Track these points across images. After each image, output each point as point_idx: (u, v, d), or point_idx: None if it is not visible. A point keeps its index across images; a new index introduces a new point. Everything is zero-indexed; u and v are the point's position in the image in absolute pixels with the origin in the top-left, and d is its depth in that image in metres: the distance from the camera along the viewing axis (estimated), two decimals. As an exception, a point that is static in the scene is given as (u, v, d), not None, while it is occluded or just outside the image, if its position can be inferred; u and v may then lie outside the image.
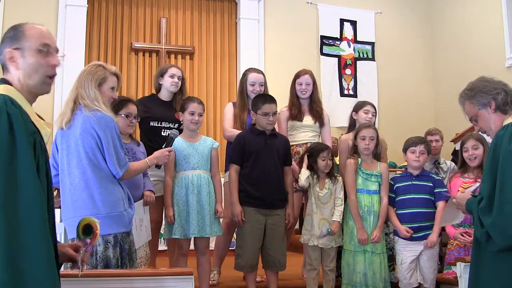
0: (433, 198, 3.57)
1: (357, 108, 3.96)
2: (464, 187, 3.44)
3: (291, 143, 3.80)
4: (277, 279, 3.51)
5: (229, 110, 3.98)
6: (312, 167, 3.63)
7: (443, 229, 3.76)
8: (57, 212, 2.43)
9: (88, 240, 1.81)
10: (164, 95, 3.95)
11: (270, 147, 3.50)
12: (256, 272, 3.52)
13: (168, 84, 3.89)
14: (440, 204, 3.53)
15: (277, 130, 3.76)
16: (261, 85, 3.93)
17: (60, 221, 2.93)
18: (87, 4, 6.13)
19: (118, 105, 3.17)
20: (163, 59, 6.43)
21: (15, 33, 1.73)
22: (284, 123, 4.01)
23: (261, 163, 3.45)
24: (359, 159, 3.61)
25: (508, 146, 1.88)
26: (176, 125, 3.82)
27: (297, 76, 4.08)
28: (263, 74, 4.02)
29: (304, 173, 3.57)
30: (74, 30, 5.97)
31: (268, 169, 3.43)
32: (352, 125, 3.96)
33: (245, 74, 4.03)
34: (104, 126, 2.61)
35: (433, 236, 3.49)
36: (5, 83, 1.69)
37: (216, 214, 3.41)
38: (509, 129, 1.94)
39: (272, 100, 3.54)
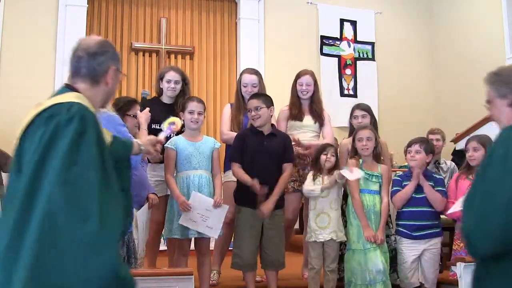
0: None
1: (350, 114, 4.04)
2: None
3: (290, 144, 3.80)
4: (276, 278, 3.51)
5: (226, 112, 3.99)
6: (315, 166, 3.64)
7: (445, 229, 3.77)
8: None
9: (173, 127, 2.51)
10: (166, 98, 3.97)
11: (267, 147, 3.48)
12: (255, 272, 3.51)
13: (165, 90, 3.92)
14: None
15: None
16: (254, 86, 3.88)
17: None
18: (87, 4, 6.12)
19: (126, 105, 3.21)
20: (163, 59, 6.43)
21: (113, 51, 1.68)
22: (283, 122, 4.00)
23: (257, 163, 3.43)
24: (360, 160, 3.62)
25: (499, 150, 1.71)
26: None
27: (298, 76, 4.07)
28: (257, 75, 3.95)
29: (309, 177, 3.61)
30: (74, 30, 5.94)
31: (264, 169, 3.39)
32: (352, 130, 3.99)
33: (240, 75, 4.05)
34: (115, 125, 2.62)
35: None
36: (73, 91, 1.61)
37: (213, 204, 3.32)
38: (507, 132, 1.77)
39: (254, 96, 3.56)
